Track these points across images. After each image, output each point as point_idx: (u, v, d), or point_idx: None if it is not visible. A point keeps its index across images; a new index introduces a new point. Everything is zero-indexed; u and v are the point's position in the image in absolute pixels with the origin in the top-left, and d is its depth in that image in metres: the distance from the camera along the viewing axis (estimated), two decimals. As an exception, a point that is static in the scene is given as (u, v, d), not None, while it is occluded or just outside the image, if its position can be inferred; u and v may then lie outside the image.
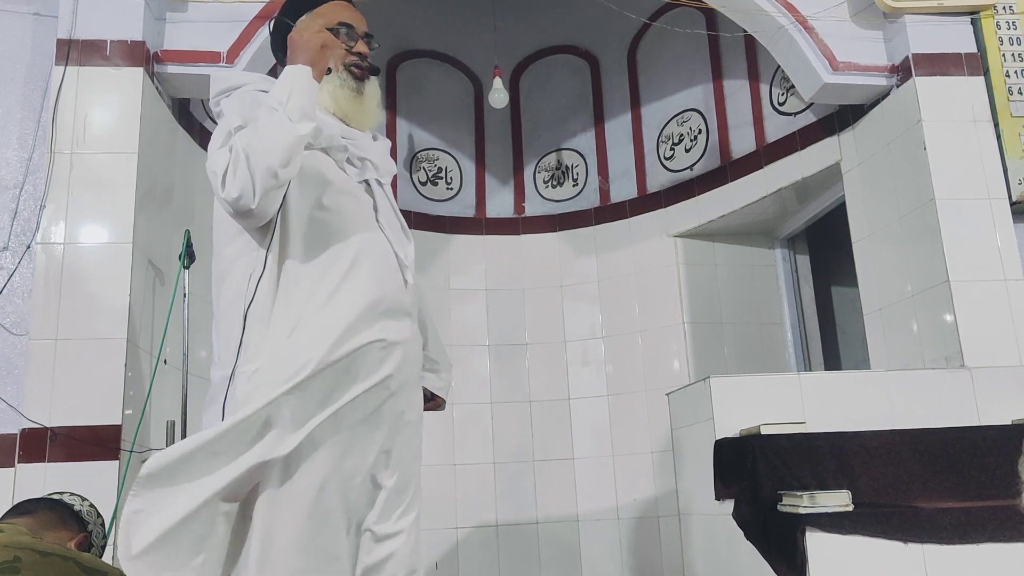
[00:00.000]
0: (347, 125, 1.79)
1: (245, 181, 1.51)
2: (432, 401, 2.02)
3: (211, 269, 1.72)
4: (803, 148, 3.76)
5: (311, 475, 1.55)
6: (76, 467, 2.60)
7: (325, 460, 1.56)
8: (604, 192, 4.63)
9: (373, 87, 1.82)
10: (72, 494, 1.98)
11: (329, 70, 1.72)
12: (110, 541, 2.11)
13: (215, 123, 3.75)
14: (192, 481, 1.47)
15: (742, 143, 4.10)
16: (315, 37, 1.66)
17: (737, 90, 4.17)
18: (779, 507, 2.42)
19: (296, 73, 1.62)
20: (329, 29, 1.74)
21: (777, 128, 3.93)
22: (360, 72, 1.78)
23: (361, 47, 1.79)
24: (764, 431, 2.54)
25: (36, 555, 1.50)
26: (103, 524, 1.99)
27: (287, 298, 1.60)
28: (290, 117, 1.55)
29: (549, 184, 4.78)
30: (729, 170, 4.12)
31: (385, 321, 1.65)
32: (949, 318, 3.01)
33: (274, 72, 1.86)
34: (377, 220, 1.74)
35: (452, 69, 4.73)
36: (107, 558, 2.19)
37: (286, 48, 1.75)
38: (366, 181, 1.78)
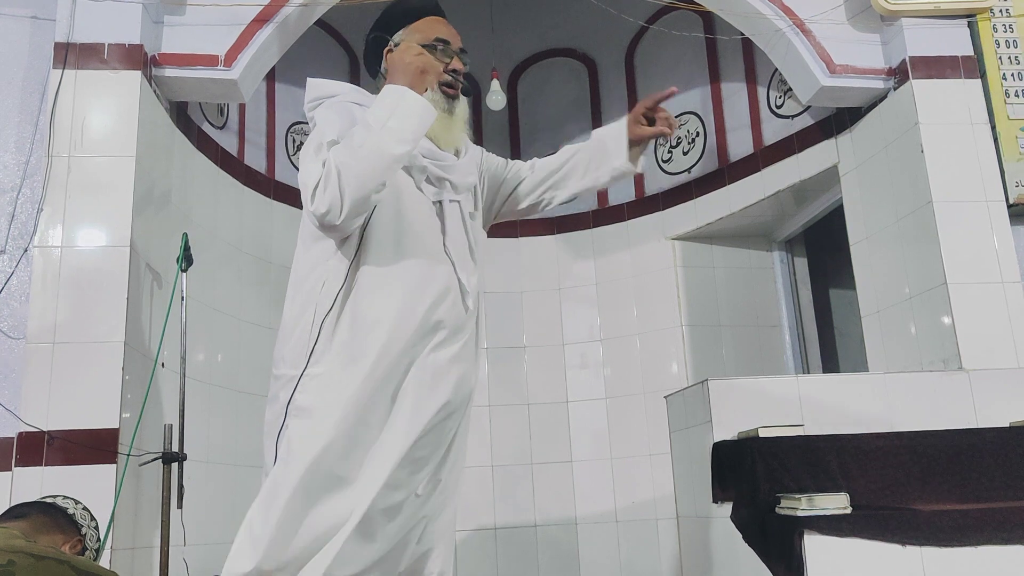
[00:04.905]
0: (433, 143, 1.80)
1: (334, 198, 1.55)
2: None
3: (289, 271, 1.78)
4: (801, 151, 3.77)
5: None
6: (73, 471, 2.59)
7: None
8: (602, 195, 4.63)
9: (462, 107, 1.84)
10: (66, 497, 1.97)
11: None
12: (106, 544, 2.10)
13: (213, 126, 3.77)
14: None
15: (740, 146, 4.10)
16: (416, 60, 1.68)
17: (734, 93, 4.17)
18: (777, 510, 2.42)
19: (402, 96, 1.63)
20: (425, 45, 1.77)
21: (775, 131, 3.94)
22: (453, 92, 1.81)
23: (456, 64, 1.81)
24: (762, 433, 2.53)
25: (30, 559, 1.50)
26: (97, 527, 1.99)
27: (354, 311, 1.65)
28: (390, 138, 1.58)
29: (547, 187, 4.77)
30: (727, 173, 4.13)
31: (444, 346, 1.71)
32: (947, 320, 3.01)
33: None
34: (444, 244, 1.77)
35: (450, 72, 4.73)
36: (103, 562, 2.18)
37: (378, 60, 1.83)
38: (440, 202, 1.80)
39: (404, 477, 1.65)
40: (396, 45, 1.82)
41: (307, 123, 1.84)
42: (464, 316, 1.77)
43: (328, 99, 1.75)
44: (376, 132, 1.58)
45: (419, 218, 1.74)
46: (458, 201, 1.83)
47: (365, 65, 1.94)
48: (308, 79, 1.83)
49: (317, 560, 1.55)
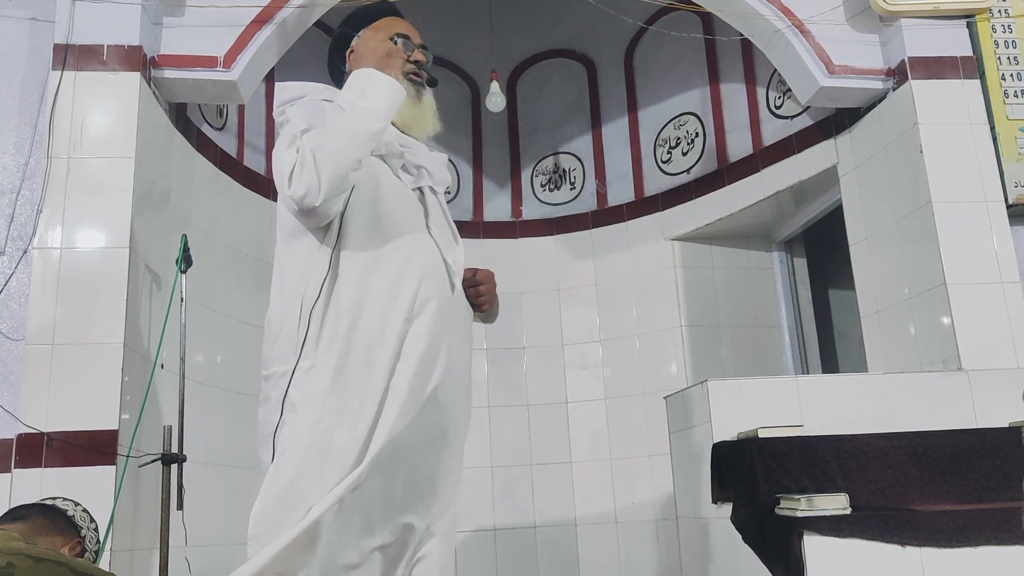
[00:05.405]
0: (404, 133, 1.83)
1: (311, 180, 1.55)
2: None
3: (272, 268, 1.77)
4: (800, 151, 3.77)
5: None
6: (72, 472, 2.58)
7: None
8: (601, 196, 4.63)
9: (430, 96, 1.88)
10: (65, 499, 1.97)
11: None
12: (105, 546, 2.10)
13: (212, 127, 3.77)
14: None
15: (739, 146, 4.10)
16: (380, 46, 1.76)
17: (734, 94, 4.17)
18: (777, 510, 2.42)
19: (370, 77, 1.67)
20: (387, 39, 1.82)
21: (774, 131, 3.94)
22: (418, 79, 1.85)
23: (418, 55, 1.86)
24: (762, 434, 2.53)
25: (29, 561, 1.50)
26: (96, 529, 1.99)
27: (339, 299, 1.64)
28: (362, 116, 1.60)
29: (546, 188, 4.78)
30: (726, 173, 4.13)
31: (434, 328, 1.68)
32: (946, 321, 3.01)
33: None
34: (428, 226, 1.78)
35: (449, 73, 4.74)
36: (103, 564, 2.18)
37: (342, 61, 1.87)
38: (420, 188, 1.82)
39: (402, 473, 1.64)
40: (358, 38, 1.88)
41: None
42: (451, 296, 1.76)
43: (298, 100, 1.77)
44: (348, 112, 1.60)
45: (399, 204, 1.75)
46: (437, 193, 1.85)
47: (329, 69, 1.96)
48: (276, 83, 1.86)
49: (319, 505, 1.53)
